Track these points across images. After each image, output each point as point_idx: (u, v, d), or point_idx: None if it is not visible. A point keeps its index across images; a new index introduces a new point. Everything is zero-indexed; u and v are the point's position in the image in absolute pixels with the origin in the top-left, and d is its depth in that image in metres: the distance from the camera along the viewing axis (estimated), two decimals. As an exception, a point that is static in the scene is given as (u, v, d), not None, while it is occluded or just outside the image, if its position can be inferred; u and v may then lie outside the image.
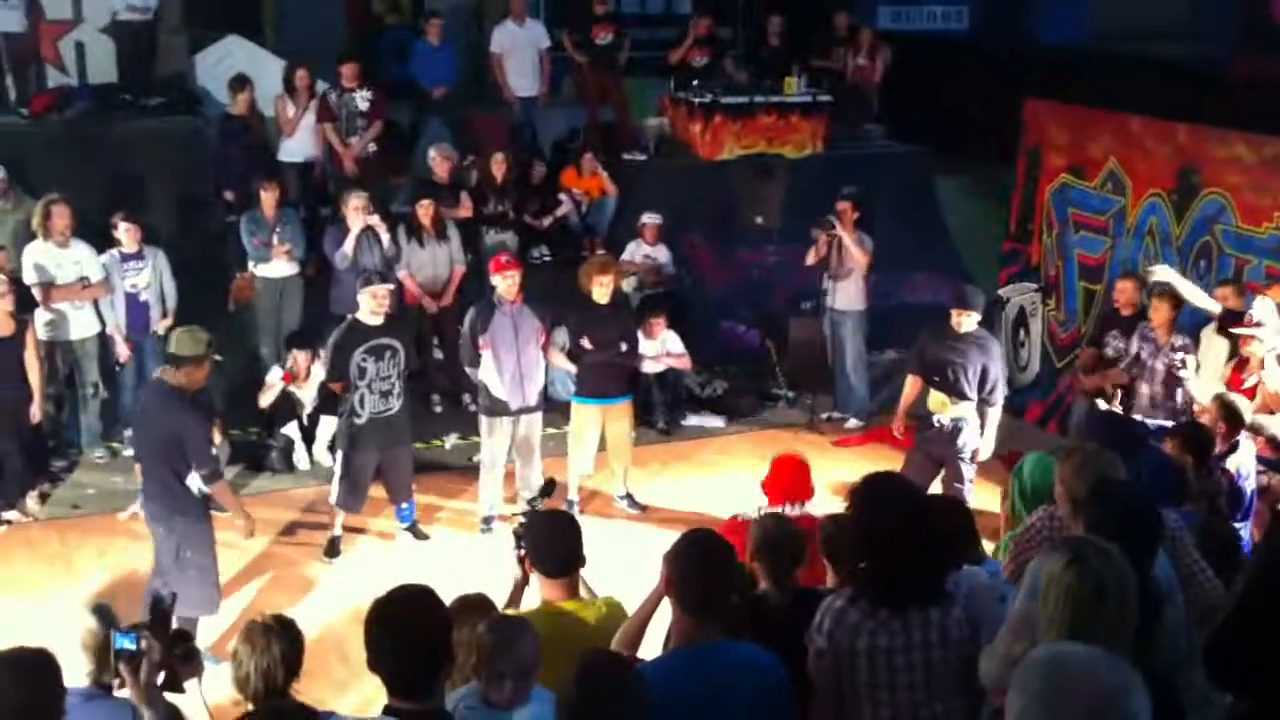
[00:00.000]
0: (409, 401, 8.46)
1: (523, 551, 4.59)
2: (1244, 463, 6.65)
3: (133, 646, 3.83)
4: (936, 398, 8.16)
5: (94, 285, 9.19)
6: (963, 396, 8.05)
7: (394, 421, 8.22)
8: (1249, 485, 6.63)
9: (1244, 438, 6.75)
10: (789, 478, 6.15)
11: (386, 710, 3.33)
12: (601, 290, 8.70)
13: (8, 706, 3.30)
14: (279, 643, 3.96)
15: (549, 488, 5.88)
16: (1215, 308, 8.44)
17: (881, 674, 3.74)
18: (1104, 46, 10.85)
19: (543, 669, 3.82)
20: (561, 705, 3.19)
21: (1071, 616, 3.15)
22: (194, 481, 6.67)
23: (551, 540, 4.47)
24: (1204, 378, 8.12)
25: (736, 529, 5.63)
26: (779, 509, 5.91)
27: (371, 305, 8.06)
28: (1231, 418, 6.72)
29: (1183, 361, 8.19)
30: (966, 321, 8.14)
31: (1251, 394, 7.56)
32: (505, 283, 8.42)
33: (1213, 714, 3.77)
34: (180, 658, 3.87)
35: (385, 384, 8.08)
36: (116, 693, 4.13)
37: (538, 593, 4.48)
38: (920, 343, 8.49)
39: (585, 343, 8.67)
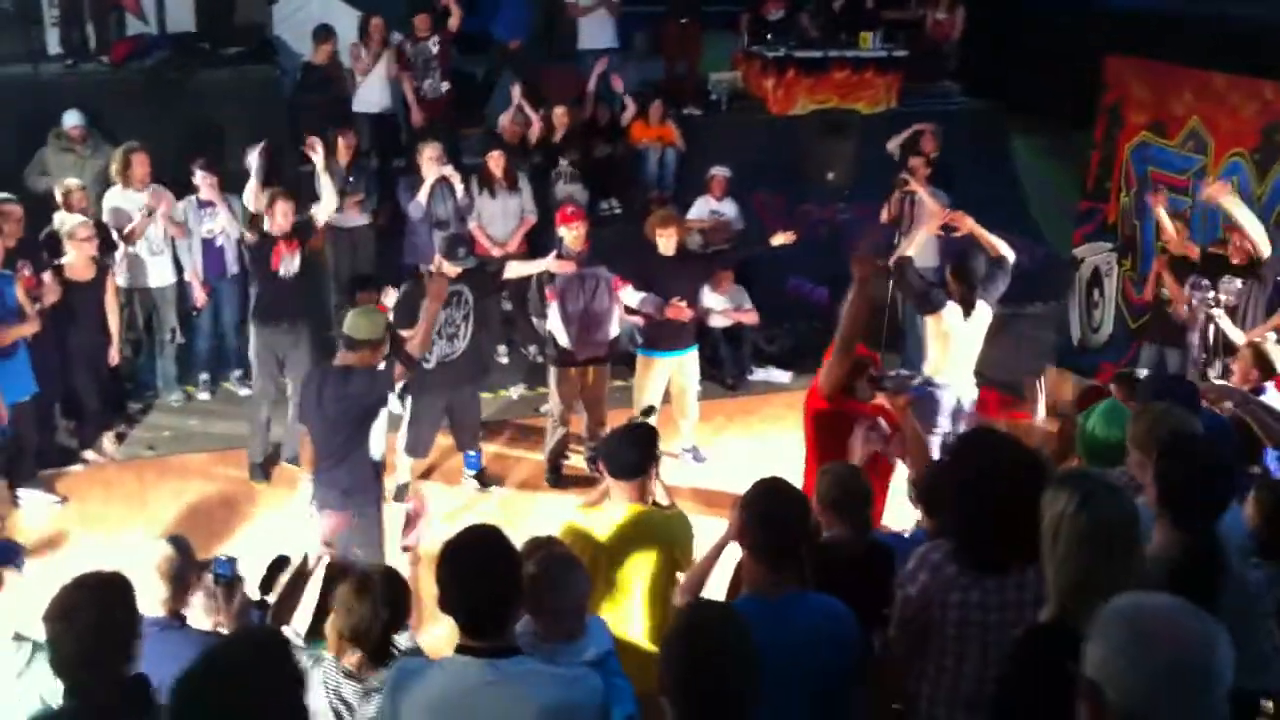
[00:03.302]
0: (478, 347, 8.48)
1: (599, 460, 5.01)
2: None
3: (229, 574, 4.04)
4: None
5: (138, 224, 9.23)
6: None
7: (460, 365, 8.26)
8: None
9: (1271, 387, 6.66)
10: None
11: (459, 649, 3.37)
12: (666, 242, 8.68)
13: (85, 626, 3.36)
14: (386, 593, 4.02)
15: (649, 411, 6.03)
16: (1266, 248, 8.21)
17: (972, 629, 3.69)
18: (1182, 8, 10.61)
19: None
20: (668, 657, 3.09)
21: (1085, 559, 3.08)
22: (376, 449, 6.45)
23: (620, 447, 4.92)
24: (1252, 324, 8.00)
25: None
26: None
27: (451, 271, 8.03)
28: (1262, 364, 6.65)
29: (1215, 300, 8.02)
30: None
31: None
32: (571, 233, 8.43)
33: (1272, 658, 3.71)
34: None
35: (451, 328, 8.14)
36: (191, 623, 4.27)
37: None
38: None
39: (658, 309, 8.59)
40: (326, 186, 9.05)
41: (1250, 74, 9.73)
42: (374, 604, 3.96)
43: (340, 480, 6.29)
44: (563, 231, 8.51)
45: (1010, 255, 8.07)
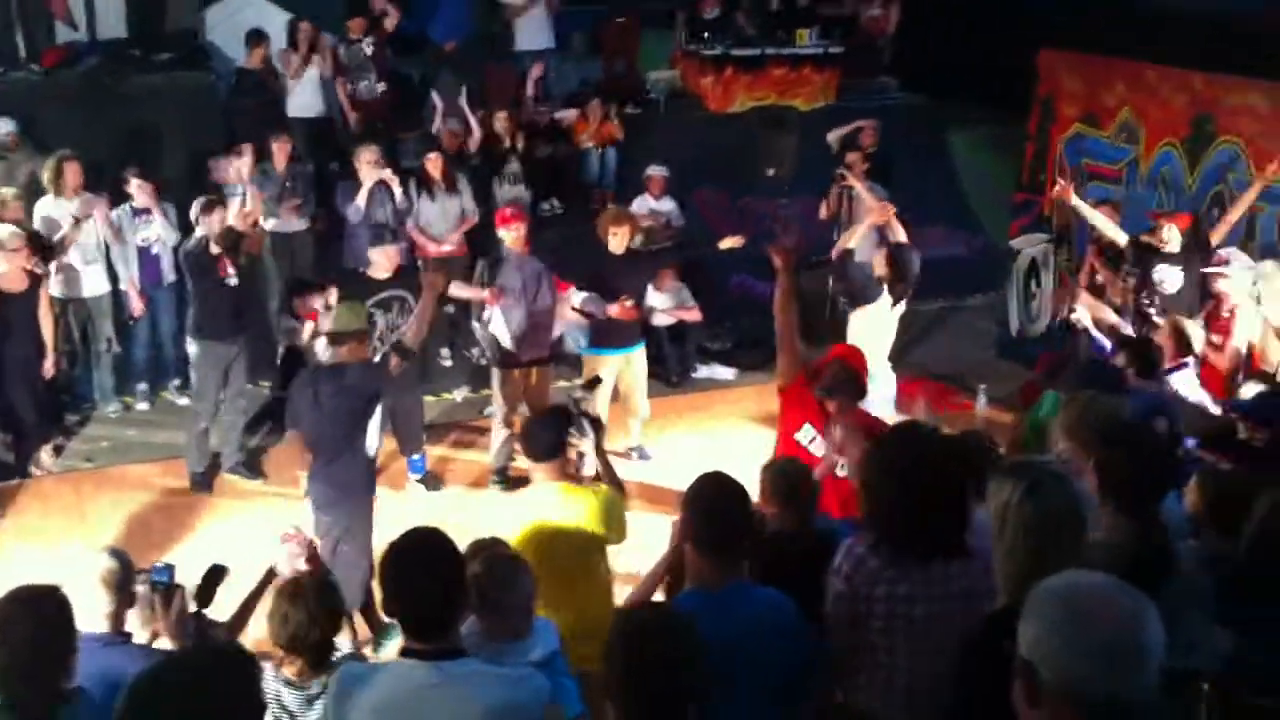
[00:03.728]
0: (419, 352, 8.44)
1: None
2: (1183, 386, 6.71)
3: (167, 580, 4.00)
4: None
5: (68, 233, 9.04)
6: None
7: (404, 371, 8.19)
8: None
9: (1190, 365, 6.85)
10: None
11: (404, 652, 3.35)
12: (617, 241, 8.69)
13: (20, 639, 3.32)
14: (321, 599, 4.04)
15: (593, 383, 6.27)
16: (1121, 237, 8.70)
17: (899, 622, 3.69)
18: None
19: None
20: (611, 661, 3.10)
21: (1032, 546, 3.10)
22: (372, 442, 6.48)
23: (536, 430, 5.16)
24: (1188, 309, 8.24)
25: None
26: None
27: (382, 262, 8.08)
28: (1180, 341, 6.85)
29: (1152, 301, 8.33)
30: None
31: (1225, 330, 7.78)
32: (510, 234, 8.42)
33: (1213, 637, 3.75)
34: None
35: (394, 335, 8.09)
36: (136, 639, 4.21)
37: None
38: None
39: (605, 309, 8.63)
40: (250, 194, 9.04)
41: (1180, 65, 9.88)
42: (308, 611, 3.94)
43: (336, 476, 6.33)
44: (502, 233, 8.49)
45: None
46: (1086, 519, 3.20)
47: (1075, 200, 8.97)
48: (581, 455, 5.33)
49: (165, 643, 4.23)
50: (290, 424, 6.75)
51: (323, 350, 8.81)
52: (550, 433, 5.12)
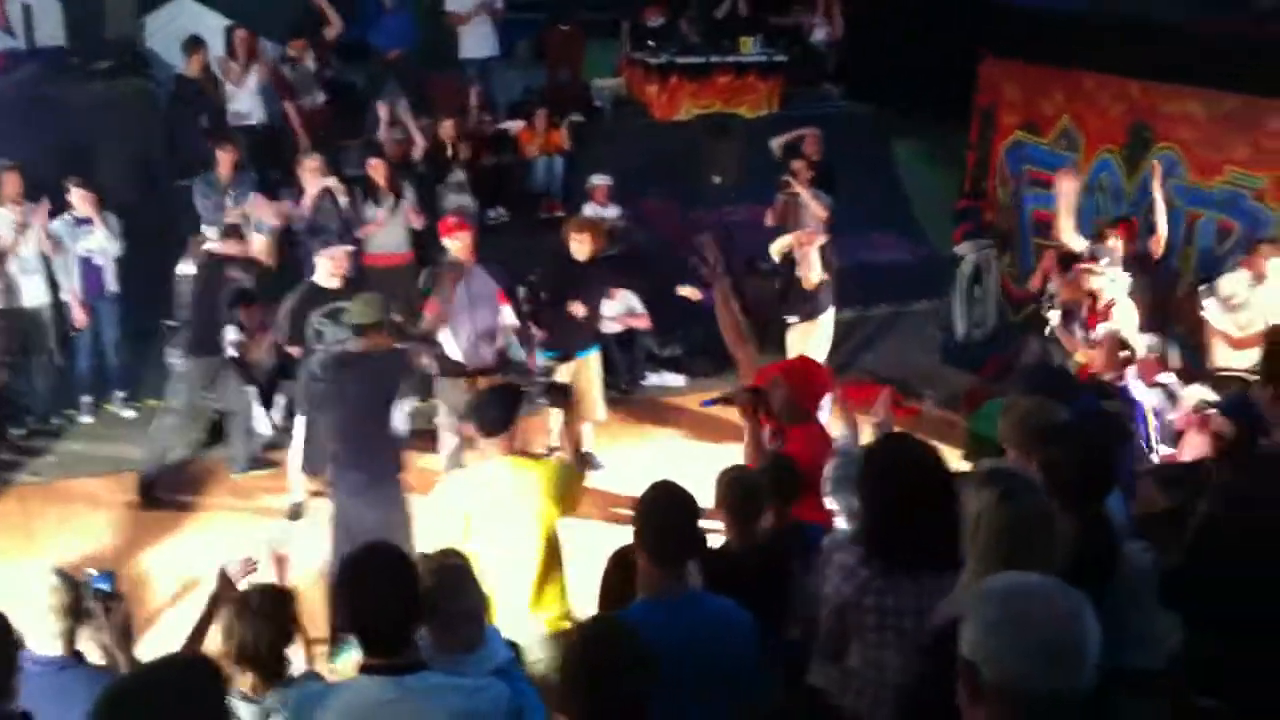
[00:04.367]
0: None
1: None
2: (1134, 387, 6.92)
3: (108, 588, 3.93)
4: None
5: (8, 243, 8.97)
6: None
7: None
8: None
9: (1132, 374, 7.02)
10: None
11: (362, 669, 3.34)
12: (580, 248, 8.73)
13: None
14: (272, 611, 4.00)
15: (557, 390, 6.43)
16: (1077, 244, 8.78)
17: (889, 634, 3.70)
18: (1060, 5, 10.93)
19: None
20: (565, 674, 3.17)
21: (1005, 551, 3.14)
22: (400, 425, 6.65)
23: (485, 405, 5.26)
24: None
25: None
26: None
27: (329, 268, 8.03)
28: (1122, 350, 7.01)
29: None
30: None
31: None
32: (456, 244, 8.40)
33: (1162, 637, 3.81)
34: None
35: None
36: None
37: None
38: None
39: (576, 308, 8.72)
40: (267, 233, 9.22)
41: (1118, 73, 10.04)
42: (255, 624, 3.92)
43: (368, 462, 6.43)
44: (447, 242, 8.46)
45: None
46: (1055, 527, 3.25)
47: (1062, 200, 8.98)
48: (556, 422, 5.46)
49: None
50: (310, 413, 7.02)
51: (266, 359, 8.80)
52: (499, 407, 5.23)
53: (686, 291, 9.42)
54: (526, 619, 5.10)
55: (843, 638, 3.79)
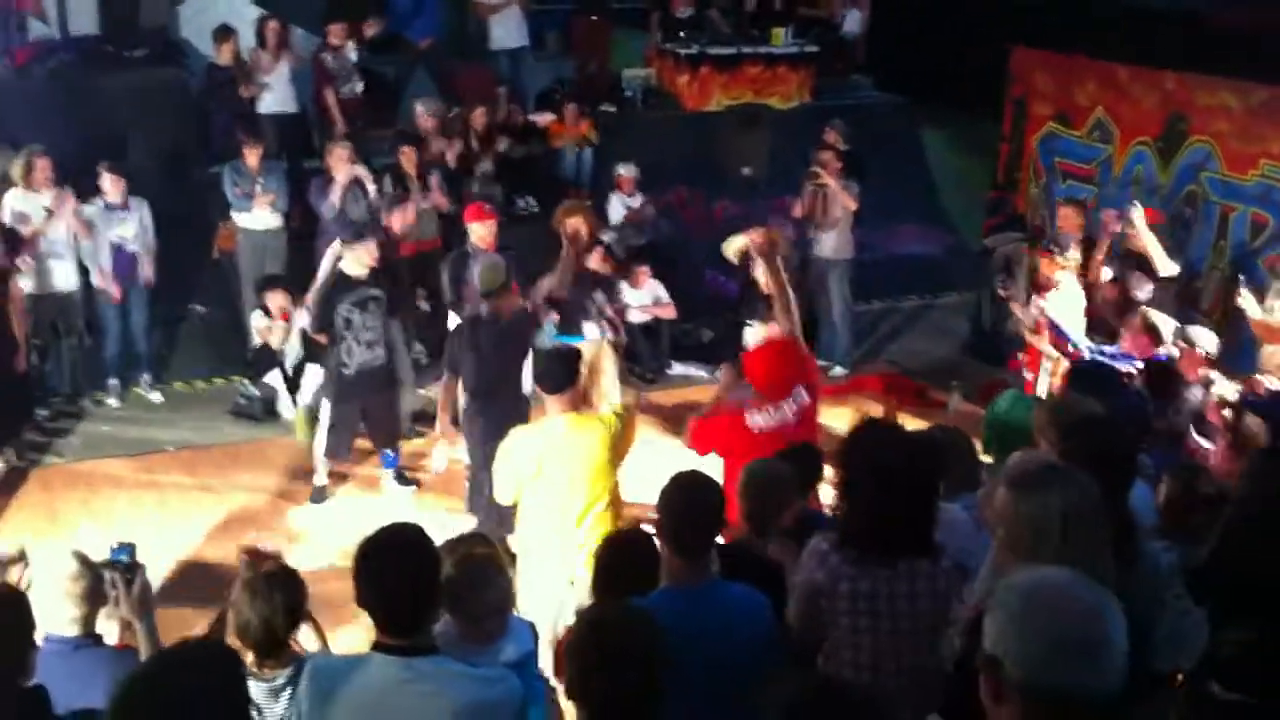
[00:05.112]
0: (393, 350, 8.43)
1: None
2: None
3: (127, 559, 3.94)
4: None
5: (39, 226, 9.00)
6: None
7: (379, 372, 8.19)
8: None
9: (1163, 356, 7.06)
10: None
11: (375, 646, 3.34)
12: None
13: None
14: (280, 592, 4.00)
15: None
16: (1173, 270, 8.61)
17: (863, 619, 3.69)
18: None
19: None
20: (572, 660, 3.14)
21: (1035, 542, 3.10)
22: (527, 383, 7.31)
23: (551, 365, 5.81)
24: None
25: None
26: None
27: (360, 259, 8.00)
28: (1151, 332, 7.13)
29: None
30: None
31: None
32: (482, 230, 8.40)
33: (1188, 637, 3.77)
34: None
35: (371, 334, 8.04)
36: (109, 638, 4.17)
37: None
38: None
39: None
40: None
41: (1153, 65, 9.96)
42: (264, 602, 3.93)
43: (497, 413, 6.94)
44: (474, 227, 8.47)
45: None
46: (1096, 519, 3.18)
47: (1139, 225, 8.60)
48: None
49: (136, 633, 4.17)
50: (451, 367, 7.40)
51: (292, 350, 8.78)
52: (561, 369, 5.75)
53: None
54: (570, 557, 5.54)
55: (817, 622, 3.76)
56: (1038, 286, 8.64)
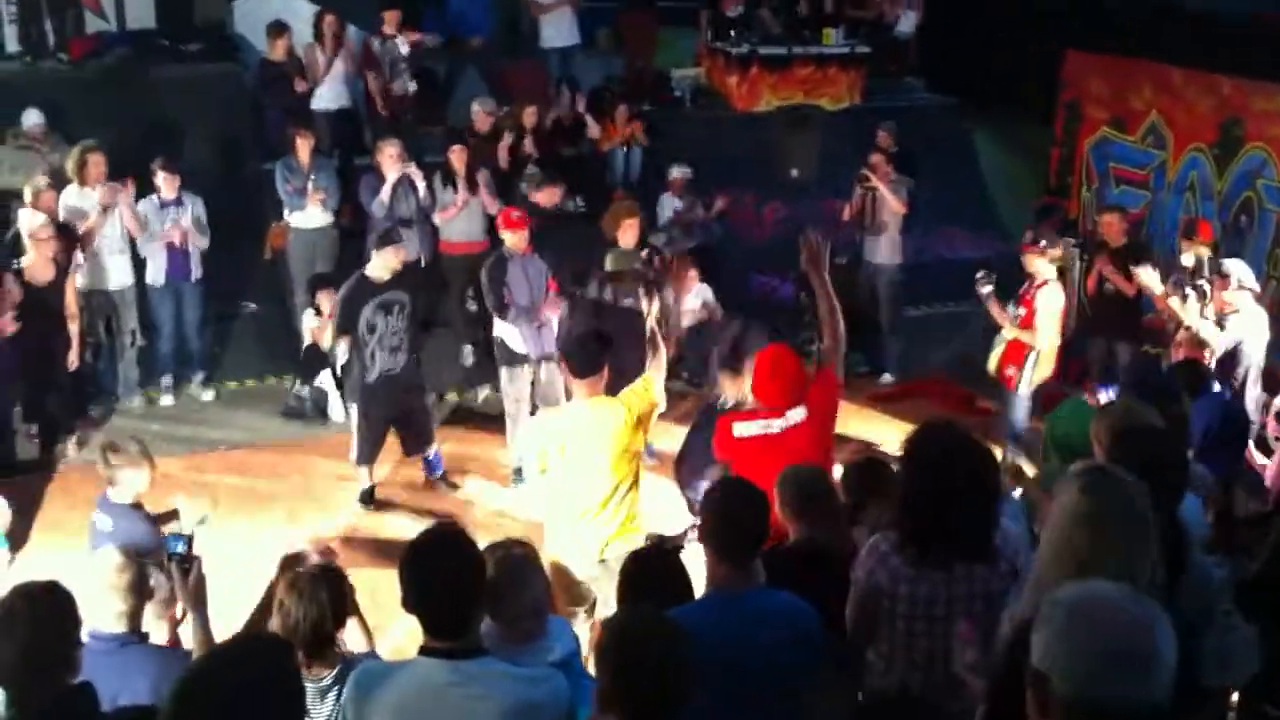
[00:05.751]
0: (417, 355, 8.36)
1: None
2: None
3: (184, 550, 3.97)
4: None
5: (93, 222, 9.09)
6: None
7: (401, 378, 8.11)
8: None
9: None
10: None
11: (423, 650, 3.36)
12: (627, 235, 8.68)
13: (24, 635, 3.33)
14: (326, 591, 4.02)
15: None
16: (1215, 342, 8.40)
17: (920, 623, 3.72)
18: (1141, 2, 10.71)
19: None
20: (600, 666, 3.17)
21: (1084, 546, 3.05)
22: None
23: (580, 349, 5.94)
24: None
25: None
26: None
27: (387, 262, 7.92)
28: (1198, 347, 7.10)
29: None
30: None
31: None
32: (514, 238, 8.41)
33: (1236, 653, 3.72)
34: None
35: (394, 339, 7.96)
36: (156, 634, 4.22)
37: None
38: None
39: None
40: None
41: (1208, 69, 9.82)
42: (307, 603, 3.96)
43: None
44: (506, 235, 8.47)
45: None
46: (1143, 525, 3.11)
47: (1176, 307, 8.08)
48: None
49: (185, 629, 4.22)
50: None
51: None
52: (589, 353, 5.83)
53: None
54: (598, 537, 5.68)
55: (873, 620, 3.78)
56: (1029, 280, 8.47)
